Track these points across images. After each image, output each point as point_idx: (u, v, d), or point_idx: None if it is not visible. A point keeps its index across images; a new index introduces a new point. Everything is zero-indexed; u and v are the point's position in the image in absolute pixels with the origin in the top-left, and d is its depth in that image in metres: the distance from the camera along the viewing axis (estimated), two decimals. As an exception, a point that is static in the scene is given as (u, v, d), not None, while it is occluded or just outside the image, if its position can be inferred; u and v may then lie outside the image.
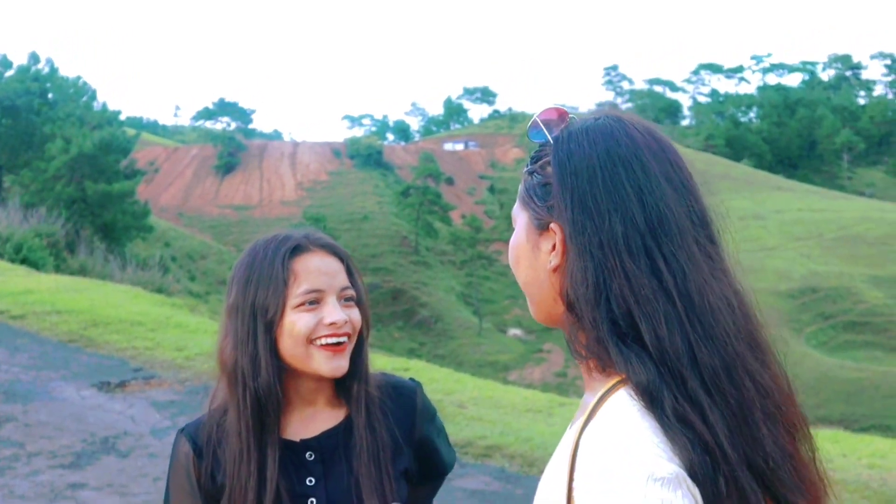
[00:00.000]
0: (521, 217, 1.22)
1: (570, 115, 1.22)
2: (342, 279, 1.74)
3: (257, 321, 1.68)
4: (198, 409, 6.63)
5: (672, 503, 0.97)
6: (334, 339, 1.68)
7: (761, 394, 1.07)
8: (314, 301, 1.69)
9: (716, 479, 1.00)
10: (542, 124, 1.22)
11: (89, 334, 10.85)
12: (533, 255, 1.19)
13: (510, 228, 1.25)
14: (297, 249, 1.73)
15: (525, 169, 1.24)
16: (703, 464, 1.00)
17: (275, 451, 1.69)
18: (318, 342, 1.68)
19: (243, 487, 1.66)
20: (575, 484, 1.04)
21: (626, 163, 1.13)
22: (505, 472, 6.60)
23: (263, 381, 1.67)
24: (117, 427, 7.41)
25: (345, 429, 1.75)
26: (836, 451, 7.34)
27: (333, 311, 1.69)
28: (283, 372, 1.70)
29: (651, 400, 1.04)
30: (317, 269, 1.71)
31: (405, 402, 1.82)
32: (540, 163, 1.20)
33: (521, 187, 1.23)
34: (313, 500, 1.70)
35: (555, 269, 1.16)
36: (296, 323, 1.67)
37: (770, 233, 69.02)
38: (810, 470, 1.12)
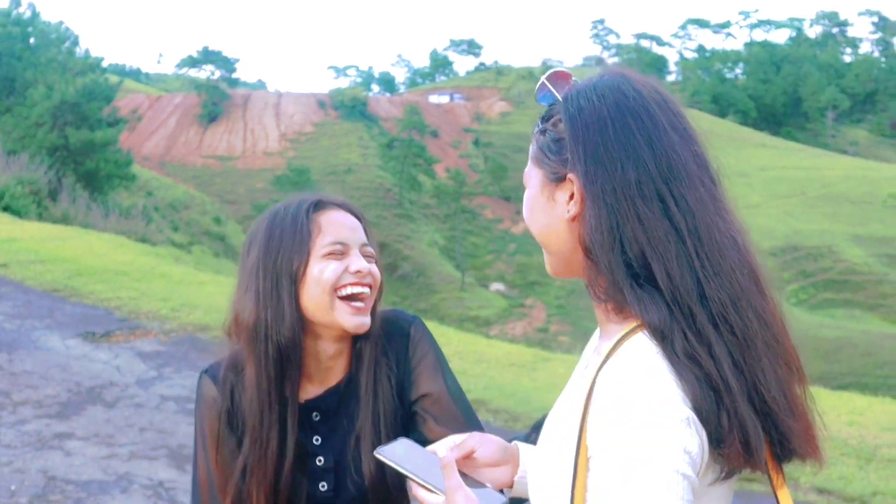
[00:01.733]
0: (534, 175, 1.28)
1: (573, 78, 1.28)
2: (361, 235, 1.79)
3: (281, 275, 1.71)
4: (183, 359, 6.63)
5: (685, 444, 1.05)
6: (359, 288, 1.72)
7: (763, 325, 1.14)
8: (340, 251, 1.73)
9: (719, 415, 1.06)
10: (550, 85, 1.27)
11: (74, 284, 10.81)
12: (549, 207, 1.25)
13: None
14: (318, 205, 1.77)
15: (536, 129, 1.29)
16: (707, 400, 1.07)
17: (295, 407, 1.73)
18: (343, 291, 1.71)
19: (265, 440, 1.71)
20: (589, 418, 1.11)
21: (634, 114, 1.18)
22: (489, 426, 6.67)
23: (287, 332, 1.69)
24: (103, 377, 7.42)
25: (346, 385, 1.78)
26: (817, 407, 7.44)
27: (357, 261, 1.73)
28: (305, 327, 1.73)
29: (662, 338, 1.10)
30: (339, 223, 1.76)
31: (398, 344, 1.83)
32: (552, 120, 1.25)
33: (532, 148, 1.28)
34: (321, 458, 1.75)
35: (573, 219, 1.21)
36: (324, 271, 1.70)
37: (754, 190, 69.21)
38: (801, 399, 1.18)
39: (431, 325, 11.26)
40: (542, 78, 1.28)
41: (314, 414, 1.77)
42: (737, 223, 1.19)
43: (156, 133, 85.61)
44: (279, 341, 1.70)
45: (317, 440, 1.75)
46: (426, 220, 72.49)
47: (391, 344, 1.80)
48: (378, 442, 1.69)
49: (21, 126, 36.32)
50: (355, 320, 1.71)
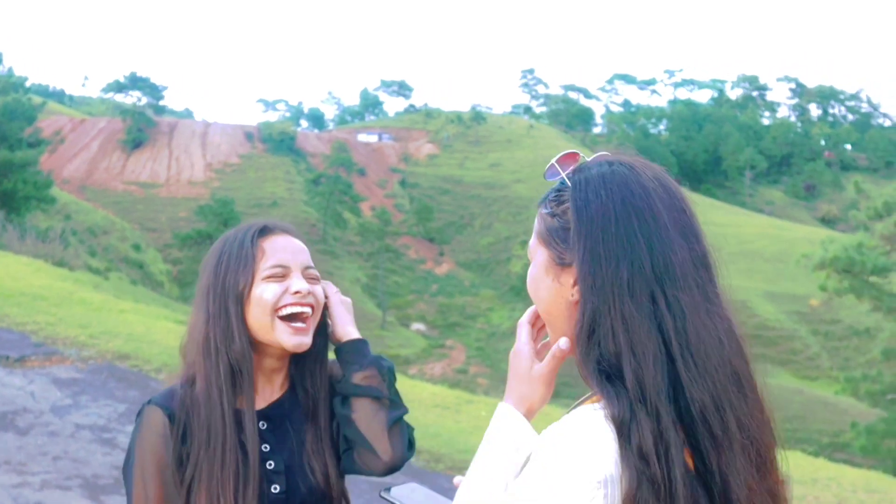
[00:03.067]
0: (539, 253, 1.32)
1: (580, 157, 1.32)
2: (306, 258, 1.87)
3: (228, 296, 1.81)
4: (101, 387, 6.48)
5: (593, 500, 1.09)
6: (298, 308, 1.81)
7: (740, 427, 1.18)
8: (281, 275, 1.82)
9: None
10: (560, 170, 1.31)
11: (-12, 306, 10.49)
12: (554, 288, 1.29)
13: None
14: (264, 230, 1.88)
15: (543, 209, 1.33)
16: (642, 497, 1.11)
17: (252, 418, 1.81)
18: (283, 311, 1.80)
19: (222, 450, 1.77)
20: (527, 464, 1.18)
21: (639, 213, 1.22)
22: (412, 467, 6.64)
23: (237, 348, 1.79)
24: (16, 403, 7.21)
25: (288, 398, 1.89)
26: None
27: (298, 282, 1.81)
28: (252, 345, 1.82)
29: (619, 430, 1.14)
30: (283, 247, 1.86)
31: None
32: (561, 207, 1.28)
33: (538, 225, 1.32)
34: (271, 461, 1.82)
35: (576, 303, 1.25)
36: (263, 292, 1.79)
37: (673, 243, 70.53)
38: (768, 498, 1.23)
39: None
40: (553, 160, 1.32)
41: (261, 423, 1.85)
42: (727, 323, 1.23)
43: (77, 156, 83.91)
44: (229, 357, 1.79)
45: (265, 447, 1.82)
46: (350, 257, 72.26)
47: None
48: (319, 447, 1.85)
49: (-63, 142, 35.28)
50: (294, 340, 1.80)
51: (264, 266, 1.81)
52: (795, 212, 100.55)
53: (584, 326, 1.20)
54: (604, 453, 1.11)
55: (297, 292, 1.79)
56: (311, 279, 1.86)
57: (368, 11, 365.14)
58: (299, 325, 1.80)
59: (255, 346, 1.83)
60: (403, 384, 10.00)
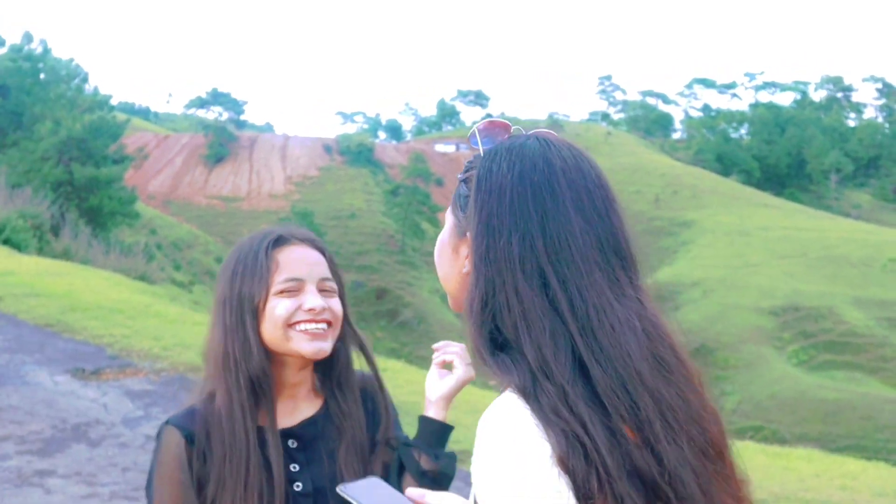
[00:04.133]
0: (448, 219, 1.30)
1: (512, 129, 1.28)
2: (322, 270, 1.81)
3: (244, 308, 1.75)
4: (172, 399, 6.59)
5: (548, 481, 1.03)
6: (313, 326, 1.75)
7: (662, 409, 1.08)
8: (294, 289, 1.76)
9: (587, 470, 1.03)
10: (479, 135, 1.27)
11: (67, 319, 10.77)
12: (453, 257, 1.27)
13: None
14: (279, 241, 1.81)
15: (458, 175, 1.30)
16: (574, 453, 1.03)
17: (276, 435, 1.75)
18: (298, 327, 1.74)
19: (244, 469, 1.70)
20: (473, 469, 1.11)
21: (536, 188, 1.16)
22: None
23: (255, 363, 1.73)
24: (89, 415, 7.35)
25: (323, 417, 1.82)
26: (810, 470, 7.34)
27: (312, 298, 1.76)
28: (271, 358, 1.77)
29: (526, 396, 1.08)
30: (297, 259, 1.79)
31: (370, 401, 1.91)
32: (468, 174, 1.25)
33: (455, 192, 1.29)
34: (299, 483, 1.75)
35: (467, 275, 1.21)
36: (276, 308, 1.74)
37: (755, 249, 69.18)
38: (724, 492, 1.12)
39: (427, 373, 11.15)
40: (476, 125, 1.28)
41: (290, 441, 1.78)
42: (642, 309, 1.15)
43: (161, 172, 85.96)
44: (248, 372, 1.74)
45: (294, 467, 1.76)
46: (428, 267, 72.43)
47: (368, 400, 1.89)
48: (356, 467, 1.77)
49: (26, 160, 36.47)
50: (313, 346, 1.75)
51: (278, 280, 1.75)
52: (884, 215, 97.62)
53: (477, 298, 1.16)
54: (532, 431, 1.05)
55: (310, 309, 1.74)
56: (327, 292, 1.79)
57: (445, 22, 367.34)
58: (317, 329, 1.74)
59: (274, 358, 1.77)
60: (475, 395, 9.95)
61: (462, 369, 1.81)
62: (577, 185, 1.18)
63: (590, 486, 1.02)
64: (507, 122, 1.29)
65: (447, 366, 1.84)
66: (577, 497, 1.03)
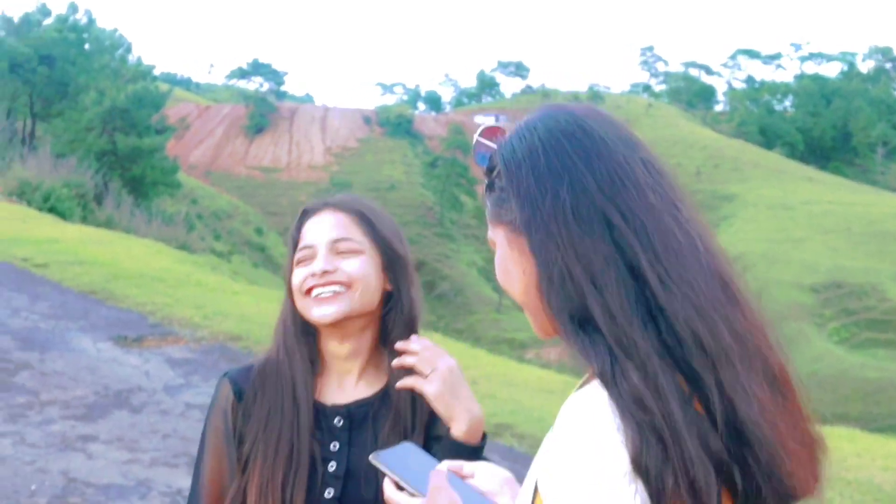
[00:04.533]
0: (498, 235, 1.17)
1: (505, 128, 1.22)
2: (339, 231, 1.77)
3: (287, 285, 1.81)
4: (213, 367, 6.65)
5: (626, 500, 0.97)
6: (319, 289, 1.72)
7: (735, 338, 1.03)
8: (308, 256, 1.77)
9: (663, 471, 0.97)
10: (483, 142, 1.23)
11: (110, 287, 10.91)
12: (521, 260, 1.13)
13: None
14: (304, 214, 1.83)
15: (484, 191, 1.21)
16: (650, 452, 0.97)
17: (309, 409, 1.74)
18: (312, 294, 1.74)
19: (276, 438, 1.71)
20: (539, 469, 1.05)
21: (567, 133, 1.11)
22: (513, 451, 6.59)
23: (290, 335, 1.78)
24: (131, 382, 7.45)
25: (380, 399, 1.77)
26: (852, 449, 7.27)
27: (318, 261, 1.74)
28: (310, 333, 1.79)
29: (607, 384, 1.01)
30: (315, 226, 1.79)
31: None
32: (494, 174, 1.17)
33: (487, 210, 1.19)
34: (333, 463, 1.72)
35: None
36: (294, 279, 1.77)
37: (798, 224, 68.36)
38: (792, 422, 1.07)
39: (465, 347, 11.15)
40: (475, 136, 1.23)
41: (337, 419, 1.76)
42: (698, 227, 1.10)
43: (203, 142, 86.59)
44: (286, 343, 1.78)
45: (334, 446, 1.73)
46: (466, 240, 72.49)
47: None
48: None
49: (71, 130, 36.95)
50: (317, 312, 1.72)
51: (298, 251, 1.79)
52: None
53: (542, 277, 1.07)
54: (610, 437, 0.98)
55: (313, 274, 1.73)
56: (344, 253, 1.75)
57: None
58: (322, 292, 1.72)
59: (320, 334, 1.78)
60: (510, 368, 9.98)
61: (426, 387, 1.66)
62: (605, 123, 1.13)
63: (664, 483, 0.97)
64: (499, 126, 1.23)
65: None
66: (650, 494, 0.97)
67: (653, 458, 0.97)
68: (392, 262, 1.79)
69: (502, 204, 1.15)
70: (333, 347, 1.78)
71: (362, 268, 1.75)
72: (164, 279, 11.78)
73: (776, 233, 65.68)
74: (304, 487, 1.69)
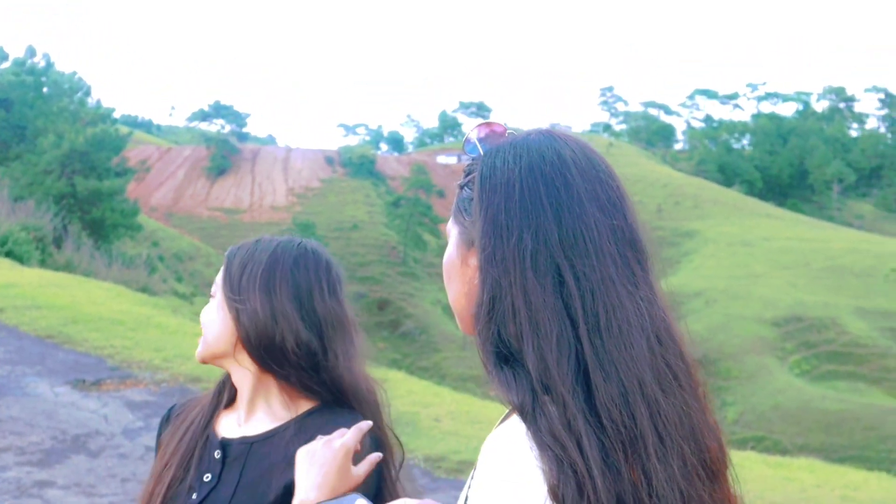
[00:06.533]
0: (452, 232, 1.21)
1: (508, 131, 1.21)
2: (217, 278, 1.82)
3: None
4: (171, 411, 6.46)
5: None
6: None
7: (657, 423, 1.04)
8: None
9: (580, 500, 0.99)
10: (476, 139, 1.21)
11: (68, 331, 10.78)
12: (462, 271, 1.18)
13: None
14: None
15: (457, 182, 1.22)
16: (566, 483, 0.99)
17: (193, 436, 1.76)
18: None
19: (164, 461, 1.76)
20: (471, 485, 1.07)
21: (547, 179, 1.11)
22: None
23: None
24: (89, 426, 7.35)
25: (261, 440, 1.71)
26: (812, 480, 7.32)
27: None
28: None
29: (525, 418, 1.03)
30: None
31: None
32: (470, 177, 1.18)
33: (454, 202, 1.22)
34: (196, 493, 1.68)
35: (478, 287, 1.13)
36: None
37: (757, 260, 69.14)
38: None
39: (427, 384, 11.07)
40: (472, 129, 1.22)
41: (216, 452, 1.72)
42: (654, 309, 1.09)
43: (164, 184, 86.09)
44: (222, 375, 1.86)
45: (207, 477, 1.69)
46: (430, 278, 72.43)
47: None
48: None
49: (29, 173, 36.56)
50: None
51: None
52: (887, 225, 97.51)
53: (484, 304, 1.09)
54: (529, 468, 1.01)
55: None
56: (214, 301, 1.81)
57: (446, 35, 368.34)
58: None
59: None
60: (475, 405, 9.95)
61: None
62: (590, 176, 1.12)
63: None
64: (502, 124, 1.22)
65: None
66: None
67: (569, 492, 0.98)
68: (236, 296, 1.73)
69: (465, 211, 1.18)
70: (236, 381, 1.78)
71: (206, 312, 1.79)
72: (123, 322, 11.66)
73: (737, 268, 66.36)
74: None
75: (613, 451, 1.01)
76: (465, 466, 6.94)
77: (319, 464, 1.44)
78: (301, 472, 1.45)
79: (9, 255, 21.21)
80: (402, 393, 9.15)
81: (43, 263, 22.74)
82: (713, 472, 1.09)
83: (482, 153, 1.19)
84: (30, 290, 13.29)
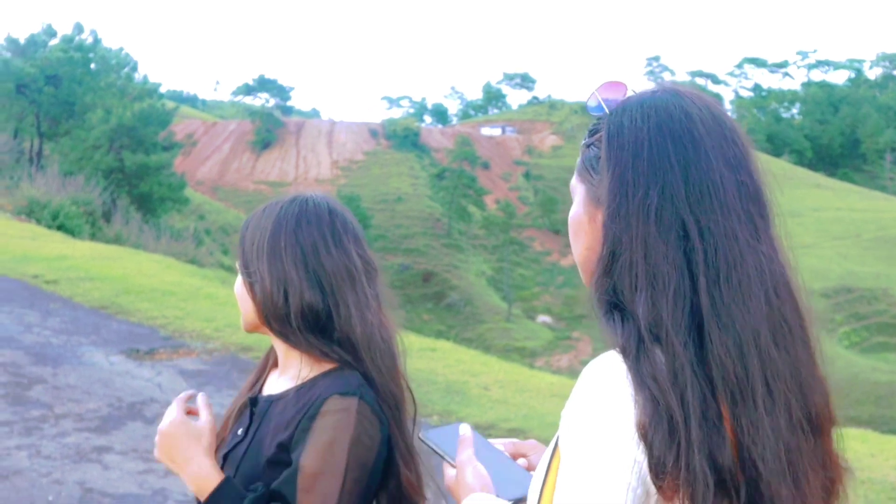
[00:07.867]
0: (578, 189, 1.23)
1: (628, 89, 1.23)
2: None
3: None
4: (224, 378, 6.65)
5: (636, 457, 1.01)
6: None
7: (767, 376, 1.05)
8: None
9: (665, 453, 1.00)
10: (600, 97, 1.22)
11: (121, 302, 10.95)
12: (591, 228, 1.19)
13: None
14: None
15: (583, 141, 1.24)
16: (657, 430, 1.01)
17: (242, 394, 1.89)
18: None
19: (225, 418, 1.87)
20: (561, 426, 1.09)
21: (675, 137, 1.13)
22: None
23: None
24: (144, 394, 7.48)
25: (278, 397, 1.76)
26: (865, 450, 7.25)
27: None
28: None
29: (626, 356, 1.05)
30: None
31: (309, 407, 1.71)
32: (597, 136, 1.20)
33: (579, 160, 1.24)
34: (227, 446, 1.79)
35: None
36: None
37: (807, 230, 68.22)
38: (814, 473, 1.08)
39: (476, 353, 11.11)
40: (595, 88, 1.23)
41: (252, 408, 1.80)
42: (774, 264, 1.12)
43: (210, 158, 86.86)
44: None
45: (239, 432, 1.78)
46: (474, 250, 72.49)
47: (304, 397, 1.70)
48: (255, 455, 1.71)
49: (78, 148, 37.10)
50: None
51: None
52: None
53: (603, 258, 1.11)
54: (622, 391, 1.04)
55: None
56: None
57: (491, 4, 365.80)
58: None
59: None
60: (522, 374, 9.96)
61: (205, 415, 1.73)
62: (716, 133, 1.14)
63: (665, 460, 1.00)
64: (623, 83, 1.23)
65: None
66: (650, 467, 1.01)
67: (659, 434, 1.00)
68: (248, 269, 1.77)
69: (593, 169, 1.20)
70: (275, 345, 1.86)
71: (236, 287, 1.85)
72: (174, 293, 11.81)
73: (786, 239, 65.48)
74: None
75: (716, 403, 1.03)
76: (516, 434, 6.95)
77: (169, 446, 1.70)
78: (170, 465, 1.71)
79: (61, 228, 21.59)
80: (451, 362, 9.19)
81: (93, 237, 23.12)
82: (818, 426, 1.10)
83: (608, 112, 1.20)
84: (82, 263, 13.51)
